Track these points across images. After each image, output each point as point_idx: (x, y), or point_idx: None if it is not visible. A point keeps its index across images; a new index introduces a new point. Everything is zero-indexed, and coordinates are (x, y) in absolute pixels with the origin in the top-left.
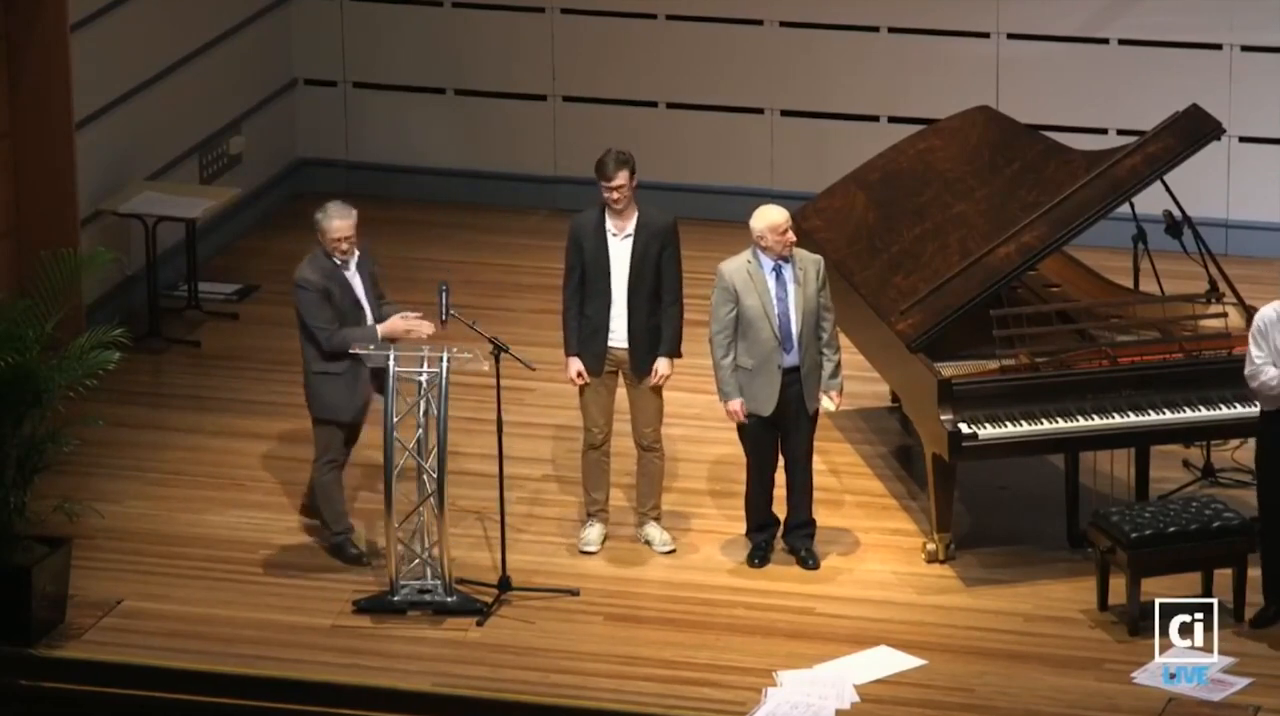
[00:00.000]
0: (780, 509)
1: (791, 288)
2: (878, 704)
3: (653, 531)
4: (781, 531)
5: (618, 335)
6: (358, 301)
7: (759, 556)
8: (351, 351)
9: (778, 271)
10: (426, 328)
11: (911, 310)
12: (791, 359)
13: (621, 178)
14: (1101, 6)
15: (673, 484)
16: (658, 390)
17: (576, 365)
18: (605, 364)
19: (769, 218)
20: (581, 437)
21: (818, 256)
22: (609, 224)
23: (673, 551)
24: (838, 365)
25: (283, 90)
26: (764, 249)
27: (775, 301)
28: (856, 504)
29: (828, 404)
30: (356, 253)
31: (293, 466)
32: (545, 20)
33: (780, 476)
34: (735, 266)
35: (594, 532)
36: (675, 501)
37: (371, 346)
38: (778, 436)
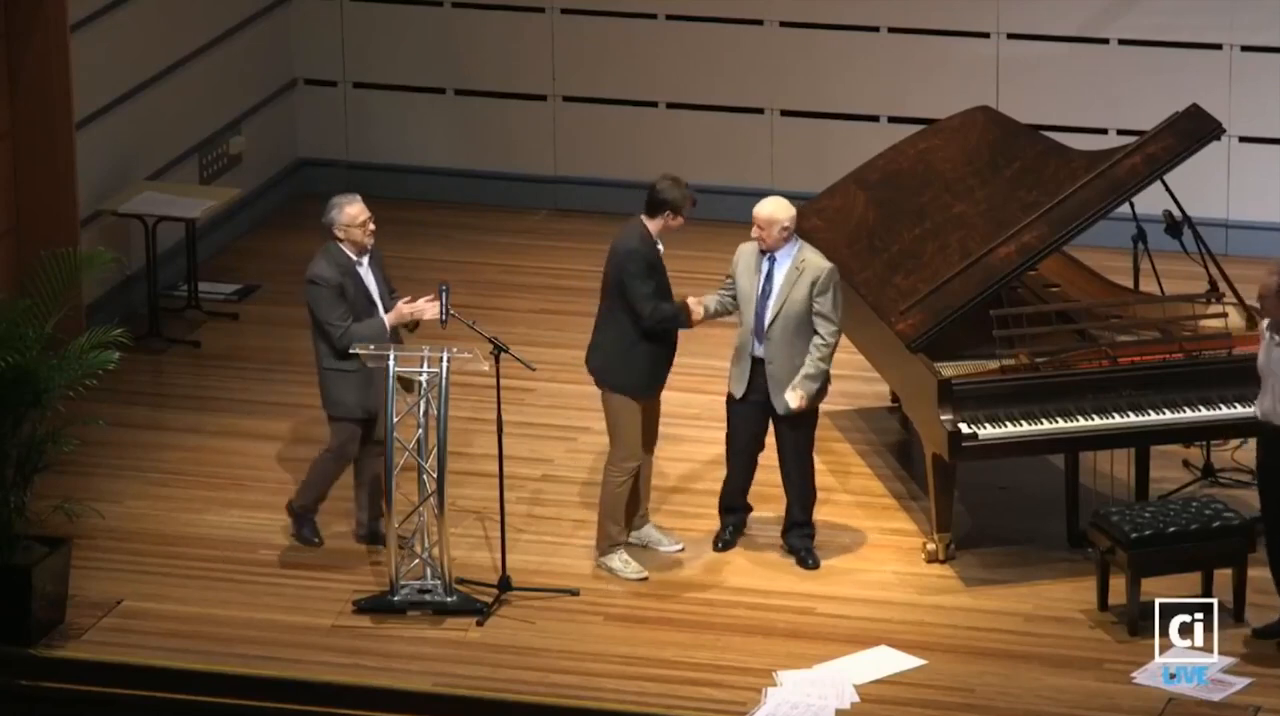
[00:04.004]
0: (770, 506)
1: (778, 283)
2: (878, 704)
3: (656, 533)
4: (781, 531)
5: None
6: (370, 297)
7: (720, 541)
8: (351, 351)
9: (771, 264)
10: (432, 309)
11: (911, 310)
12: (760, 351)
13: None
14: (1101, 6)
15: (672, 484)
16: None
17: (693, 302)
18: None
19: (757, 206)
20: (614, 468)
21: (827, 264)
22: (661, 248)
23: (683, 548)
24: (816, 373)
25: (283, 90)
26: None
27: (760, 291)
28: (856, 504)
29: (790, 398)
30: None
31: (293, 466)
32: (545, 20)
33: (774, 476)
34: (745, 248)
35: (629, 560)
36: (675, 501)
37: (373, 346)
38: (752, 422)
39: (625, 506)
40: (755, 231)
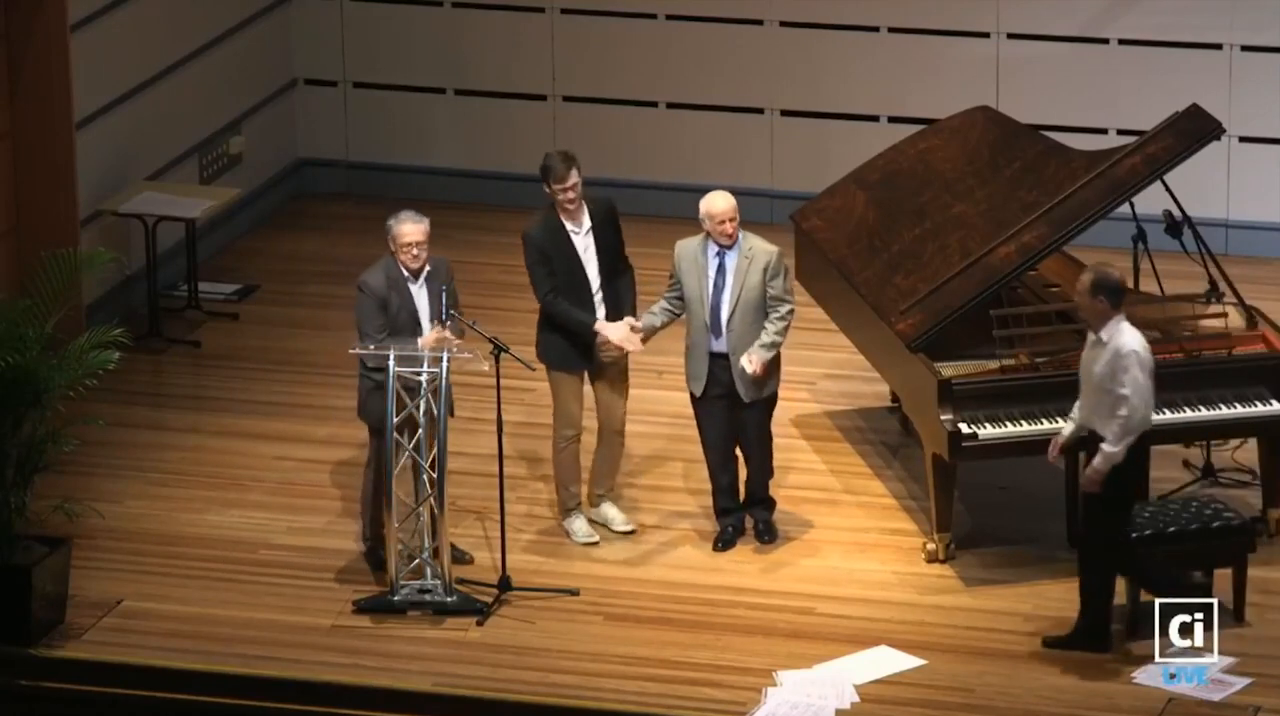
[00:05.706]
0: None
1: (731, 276)
2: (878, 704)
3: (611, 511)
4: (744, 506)
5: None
6: (415, 316)
7: (720, 541)
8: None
9: (721, 258)
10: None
11: (911, 310)
12: (719, 345)
13: (576, 176)
14: (1101, 6)
15: (668, 483)
16: (626, 374)
17: (606, 328)
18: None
19: (708, 204)
20: (555, 436)
21: (774, 248)
22: (568, 224)
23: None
24: (772, 343)
25: (283, 90)
26: (707, 233)
27: (711, 288)
28: (856, 504)
29: (744, 363)
30: (427, 266)
31: (293, 466)
32: (545, 20)
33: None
34: (686, 246)
35: (584, 524)
36: (672, 501)
37: (372, 346)
38: (720, 417)
39: (575, 471)
40: (729, 226)
